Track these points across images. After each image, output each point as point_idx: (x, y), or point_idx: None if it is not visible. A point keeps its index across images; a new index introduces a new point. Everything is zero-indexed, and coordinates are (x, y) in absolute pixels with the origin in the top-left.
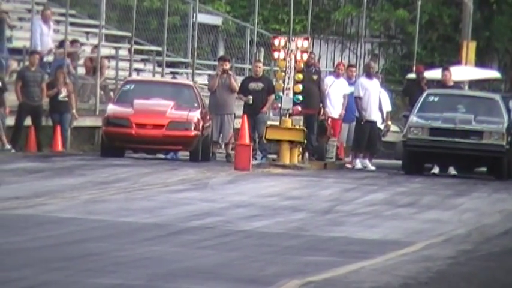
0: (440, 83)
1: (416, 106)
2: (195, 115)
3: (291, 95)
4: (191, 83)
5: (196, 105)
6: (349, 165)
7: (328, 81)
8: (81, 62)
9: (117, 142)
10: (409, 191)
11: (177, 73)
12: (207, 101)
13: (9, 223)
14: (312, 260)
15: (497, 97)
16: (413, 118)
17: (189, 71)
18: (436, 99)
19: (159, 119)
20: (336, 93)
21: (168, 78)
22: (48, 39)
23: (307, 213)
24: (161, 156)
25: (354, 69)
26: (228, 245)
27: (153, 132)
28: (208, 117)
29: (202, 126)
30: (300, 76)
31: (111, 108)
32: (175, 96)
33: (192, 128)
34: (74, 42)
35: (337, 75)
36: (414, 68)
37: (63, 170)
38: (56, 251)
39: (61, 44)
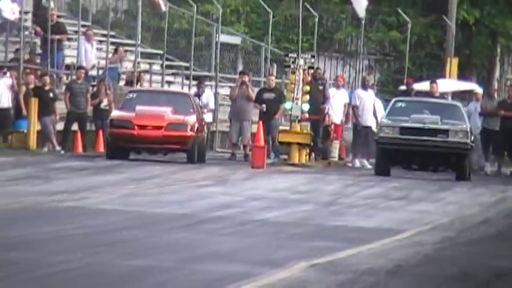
0: (428, 94)
1: (386, 111)
2: (191, 118)
3: (299, 104)
4: (187, 92)
5: (191, 111)
6: (349, 164)
7: (331, 92)
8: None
9: (121, 142)
10: (400, 186)
11: (202, 84)
12: (227, 109)
13: (59, 214)
14: (317, 245)
15: (459, 104)
16: (384, 119)
17: (213, 83)
18: (404, 105)
19: (158, 121)
20: (337, 102)
21: (166, 88)
22: (91, 56)
23: (313, 205)
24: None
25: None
26: (245, 233)
27: (153, 132)
28: (203, 122)
29: (197, 129)
30: (307, 88)
31: (116, 113)
32: (173, 103)
33: (188, 129)
34: (116, 49)
35: (338, 87)
36: (405, 81)
37: (104, 168)
38: (99, 237)
39: (116, 50)
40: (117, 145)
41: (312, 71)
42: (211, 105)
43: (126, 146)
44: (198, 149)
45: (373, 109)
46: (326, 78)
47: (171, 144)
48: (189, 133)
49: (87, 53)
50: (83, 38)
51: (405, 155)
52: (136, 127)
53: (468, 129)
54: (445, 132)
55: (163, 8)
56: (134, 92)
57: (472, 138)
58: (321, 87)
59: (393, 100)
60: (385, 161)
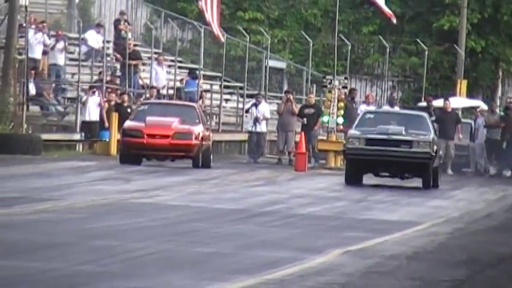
0: (442, 110)
1: (355, 122)
2: (196, 128)
3: (335, 117)
4: (194, 104)
5: (197, 121)
6: None
7: (362, 107)
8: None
9: (132, 150)
10: (418, 186)
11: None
12: (275, 121)
13: (136, 208)
14: (350, 235)
15: (425, 115)
16: (352, 131)
17: (263, 100)
18: (372, 116)
19: (165, 130)
20: None
21: (175, 101)
22: (162, 78)
23: (346, 201)
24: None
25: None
26: (290, 225)
27: (161, 141)
28: (208, 132)
29: (202, 138)
30: (341, 104)
31: (128, 123)
32: (181, 114)
33: (193, 138)
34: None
35: (368, 103)
36: (424, 99)
37: (173, 170)
38: (169, 228)
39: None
40: (128, 152)
41: (345, 90)
42: (267, 115)
43: (137, 153)
44: (202, 156)
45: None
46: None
47: (177, 151)
48: (194, 141)
49: (158, 75)
50: (155, 63)
51: (372, 164)
52: (145, 136)
53: (431, 140)
54: (408, 142)
55: (222, 40)
56: (146, 104)
57: (435, 147)
58: (354, 104)
59: (362, 112)
60: (354, 170)
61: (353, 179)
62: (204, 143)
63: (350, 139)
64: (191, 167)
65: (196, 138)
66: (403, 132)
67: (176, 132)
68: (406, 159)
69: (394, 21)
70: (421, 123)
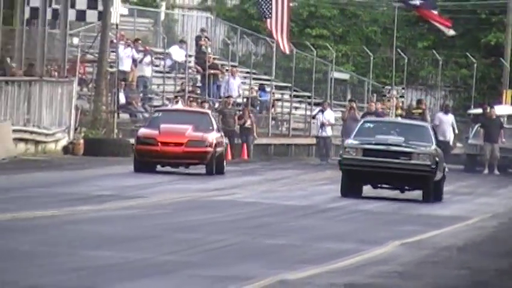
0: (487, 116)
1: (354, 131)
2: (209, 135)
3: None
4: (208, 111)
5: (211, 128)
6: None
7: (439, 115)
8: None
9: (146, 157)
10: (467, 184)
11: (326, 104)
12: (340, 128)
13: (215, 205)
14: (407, 229)
15: (426, 125)
16: (349, 141)
17: (328, 108)
18: (372, 125)
19: (179, 138)
20: (445, 124)
21: (188, 107)
22: (237, 88)
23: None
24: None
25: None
26: (353, 219)
27: (175, 149)
28: (222, 139)
29: (216, 144)
30: (399, 111)
31: (142, 130)
32: (194, 122)
33: (207, 146)
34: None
35: (446, 112)
36: (479, 106)
37: (248, 171)
38: (243, 223)
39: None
40: (142, 160)
41: (402, 99)
42: (332, 121)
43: (151, 161)
44: (216, 163)
45: (451, 128)
46: (424, 106)
47: (190, 159)
48: (207, 149)
49: (232, 85)
50: (229, 75)
51: (369, 176)
52: (159, 144)
53: (432, 151)
54: (408, 154)
55: (287, 51)
56: (160, 112)
57: (437, 160)
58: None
59: (362, 121)
60: (350, 181)
61: (349, 191)
62: (217, 149)
63: (347, 149)
64: (205, 173)
65: (210, 145)
66: (403, 143)
67: (190, 139)
68: (405, 172)
69: (452, 32)
70: (422, 134)
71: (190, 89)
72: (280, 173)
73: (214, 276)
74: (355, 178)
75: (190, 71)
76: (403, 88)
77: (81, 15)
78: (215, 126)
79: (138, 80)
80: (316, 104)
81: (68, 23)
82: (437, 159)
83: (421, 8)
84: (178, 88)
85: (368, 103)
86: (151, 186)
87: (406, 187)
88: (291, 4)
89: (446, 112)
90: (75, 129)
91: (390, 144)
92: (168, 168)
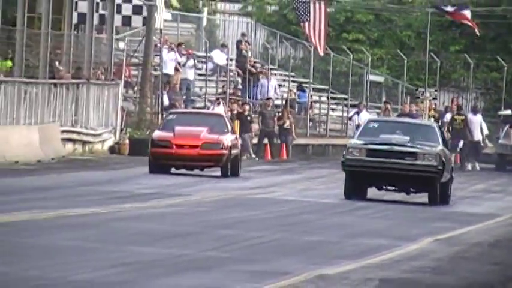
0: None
1: (358, 131)
2: (225, 137)
3: None
4: (222, 113)
5: (225, 130)
6: (469, 168)
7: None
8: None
9: (161, 160)
10: (498, 183)
11: (361, 106)
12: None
13: (255, 203)
14: (439, 226)
15: (434, 125)
16: (352, 141)
17: (364, 109)
18: (376, 125)
19: (194, 141)
20: (474, 124)
21: (203, 110)
22: (272, 90)
23: None
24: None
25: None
26: (388, 216)
27: (190, 151)
28: (236, 141)
29: (231, 147)
30: (432, 112)
31: (157, 133)
32: (209, 124)
33: (222, 148)
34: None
35: (475, 112)
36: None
37: (287, 170)
38: (282, 220)
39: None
40: (157, 163)
41: (435, 101)
42: None
43: (166, 163)
44: (231, 165)
45: (480, 128)
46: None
47: (206, 161)
48: (223, 151)
49: (264, 87)
50: (270, 78)
51: (373, 177)
52: (174, 146)
53: (438, 151)
54: (413, 154)
55: (321, 53)
56: (174, 114)
57: (443, 160)
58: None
59: (366, 120)
60: (354, 183)
61: (353, 193)
62: (232, 151)
63: (350, 149)
64: (220, 175)
65: (225, 147)
66: (408, 143)
67: (205, 142)
68: (410, 173)
69: (477, 33)
70: (429, 133)
71: (232, 91)
72: (317, 171)
73: (253, 271)
74: (358, 179)
75: (231, 74)
76: (435, 90)
77: (126, 21)
78: (230, 129)
79: (182, 83)
80: (352, 106)
81: (114, 28)
82: (444, 159)
83: (453, 13)
84: (219, 90)
85: (402, 105)
86: (193, 184)
87: (412, 189)
88: (328, 9)
89: (475, 113)
90: (121, 130)
91: (395, 144)
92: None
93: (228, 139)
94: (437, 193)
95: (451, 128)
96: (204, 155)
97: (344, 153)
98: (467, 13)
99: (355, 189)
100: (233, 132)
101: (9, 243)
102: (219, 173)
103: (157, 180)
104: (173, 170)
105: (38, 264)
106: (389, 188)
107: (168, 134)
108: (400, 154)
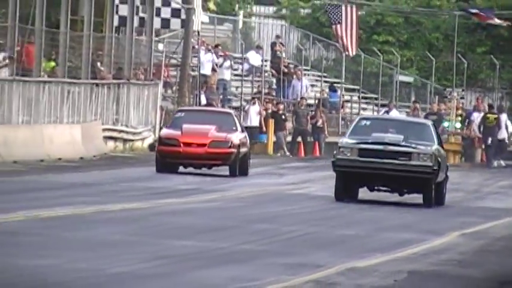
0: None
1: (349, 130)
2: (233, 136)
3: (454, 123)
4: (231, 111)
5: (234, 128)
6: (495, 164)
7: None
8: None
9: (168, 158)
10: None
11: (391, 104)
12: None
13: (288, 198)
14: (465, 220)
15: (429, 123)
16: (344, 140)
17: (393, 108)
18: (368, 123)
19: (202, 139)
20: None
21: (212, 108)
22: (304, 89)
23: (463, 192)
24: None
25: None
26: (416, 211)
27: (197, 149)
28: (246, 139)
29: (239, 145)
30: (460, 111)
31: (164, 131)
32: (218, 122)
33: (230, 146)
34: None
35: (500, 111)
36: None
37: (319, 167)
38: (315, 214)
39: (330, 87)
40: (165, 161)
41: (462, 100)
42: None
43: (173, 162)
44: (240, 164)
45: (505, 126)
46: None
47: (213, 160)
48: (231, 150)
49: (306, 88)
50: (303, 78)
51: (365, 178)
52: (182, 144)
53: (434, 151)
54: (407, 154)
55: (350, 53)
56: (183, 112)
57: (439, 160)
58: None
59: (358, 118)
60: (345, 184)
61: (344, 194)
62: (241, 150)
63: (341, 149)
64: (228, 175)
65: (233, 146)
66: (402, 142)
67: (213, 140)
68: (404, 173)
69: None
70: (424, 132)
71: (266, 91)
72: None
73: (288, 264)
74: (349, 180)
75: (266, 74)
76: (463, 90)
77: (165, 23)
78: (239, 127)
79: (218, 83)
80: (383, 105)
81: (153, 30)
82: (439, 159)
83: (479, 14)
84: (255, 90)
85: (430, 104)
86: (230, 180)
87: (405, 190)
88: (359, 12)
89: (500, 112)
90: (160, 128)
91: (388, 144)
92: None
93: (236, 137)
94: (432, 194)
95: (482, 126)
96: (211, 153)
97: (335, 152)
98: (493, 15)
99: (346, 190)
100: (242, 130)
101: (55, 237)
102: (227, 172)
103: (195, 177)
104: (181, 168)
105: (82, 257)
106: (382, 188)
107: (175, 132)
108: (394, 154)
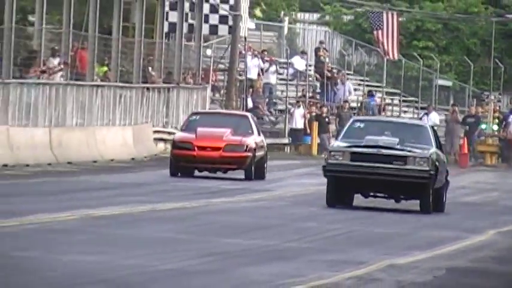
0: None
1: (342, 132)
2: (249, 139)
3: (491, 125)
4: (248, 114)
5: (250, 131)
6: None
7: None
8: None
9: (182, 162)
10: None
11: (430, 107)
12: (443, 128)
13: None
14: (502, 219)
15: (426, 125)
16: (335, 143)
17: (433, 111)
18: (362, 125)
19: (217, 143)
20: None
21: (227, 110)
22: (346, 93)
23: (499, 192)
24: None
25: None
26: (455, 210)
27: (212, 153)
28: (262, 142)
29: (255, 149)
30: (497, 114)
31: (179, 134)
32: (233, 125)
33: (245, 150)
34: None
35: None
36: None
37: None
38: (356, 213)
39: (368, 94)
40: (179, 165)
41: (500, 103)
42: (436, 122)
43: (187, 165)
44: (256, 167)
45: None
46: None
47: (228, 164)
48: (246, 153)
49: (349, 91)
50: (347, 82)
51: (358, 183)
52: (196, 148)
53: (431, 155)
54: (402, 158)
55: (391, 57)
56: (197, 115)
57: (437, 164)
58: None
59: (351, 120)
60: (337, 190)
61: (336, 200)
62: (257, 154)
63: (332, 153)
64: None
65: (248, 150)
66: (397, 145)
67: (227, 144)
68: (399, 178)
69: None
70: (420, 134)
71: (311, 94)
72: None
73: (331, 261)
74: (342, 186)
75: (310, 78)
76: (499, 94)
77: (213, 29)
78: (255, 130)
79: (264, 87)
80: (422, 108)
81: (202, 36)
82: (437, 163)
83: None
84: (299, 94)
85: (469, 107)
86: (278, 180)
87: (402, 196)
88: (400, 19)
89: None
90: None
91: (381, 147)
92: (296, 165)
93: (252, 141)
94: (430, 200)
95: None
96: (226, 157)
97: (326, 157)
98: None
99: (338, 196)
100: (259, 133)
101: (108, 234)
102: (242, 176)
103: (243, 176)
104: (196, 172)
105: (134, 254)
106: (378, 195)
107: (189, 136)
108: (388, 158)
